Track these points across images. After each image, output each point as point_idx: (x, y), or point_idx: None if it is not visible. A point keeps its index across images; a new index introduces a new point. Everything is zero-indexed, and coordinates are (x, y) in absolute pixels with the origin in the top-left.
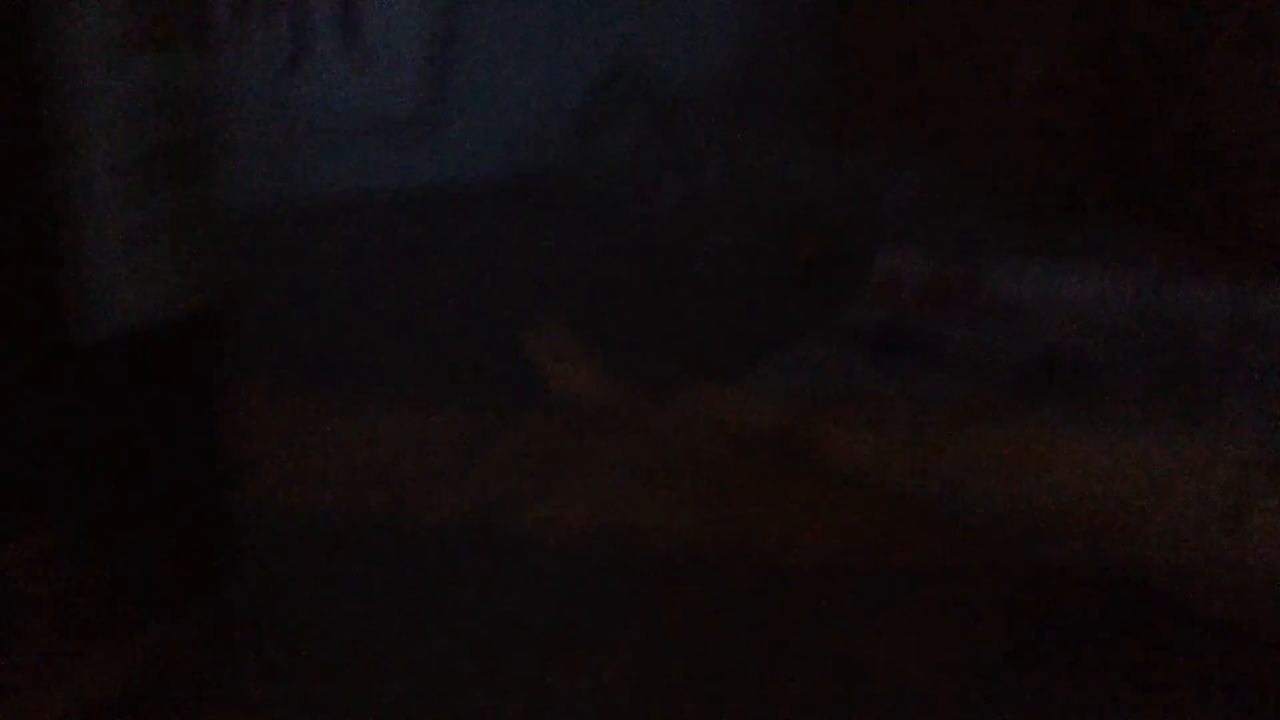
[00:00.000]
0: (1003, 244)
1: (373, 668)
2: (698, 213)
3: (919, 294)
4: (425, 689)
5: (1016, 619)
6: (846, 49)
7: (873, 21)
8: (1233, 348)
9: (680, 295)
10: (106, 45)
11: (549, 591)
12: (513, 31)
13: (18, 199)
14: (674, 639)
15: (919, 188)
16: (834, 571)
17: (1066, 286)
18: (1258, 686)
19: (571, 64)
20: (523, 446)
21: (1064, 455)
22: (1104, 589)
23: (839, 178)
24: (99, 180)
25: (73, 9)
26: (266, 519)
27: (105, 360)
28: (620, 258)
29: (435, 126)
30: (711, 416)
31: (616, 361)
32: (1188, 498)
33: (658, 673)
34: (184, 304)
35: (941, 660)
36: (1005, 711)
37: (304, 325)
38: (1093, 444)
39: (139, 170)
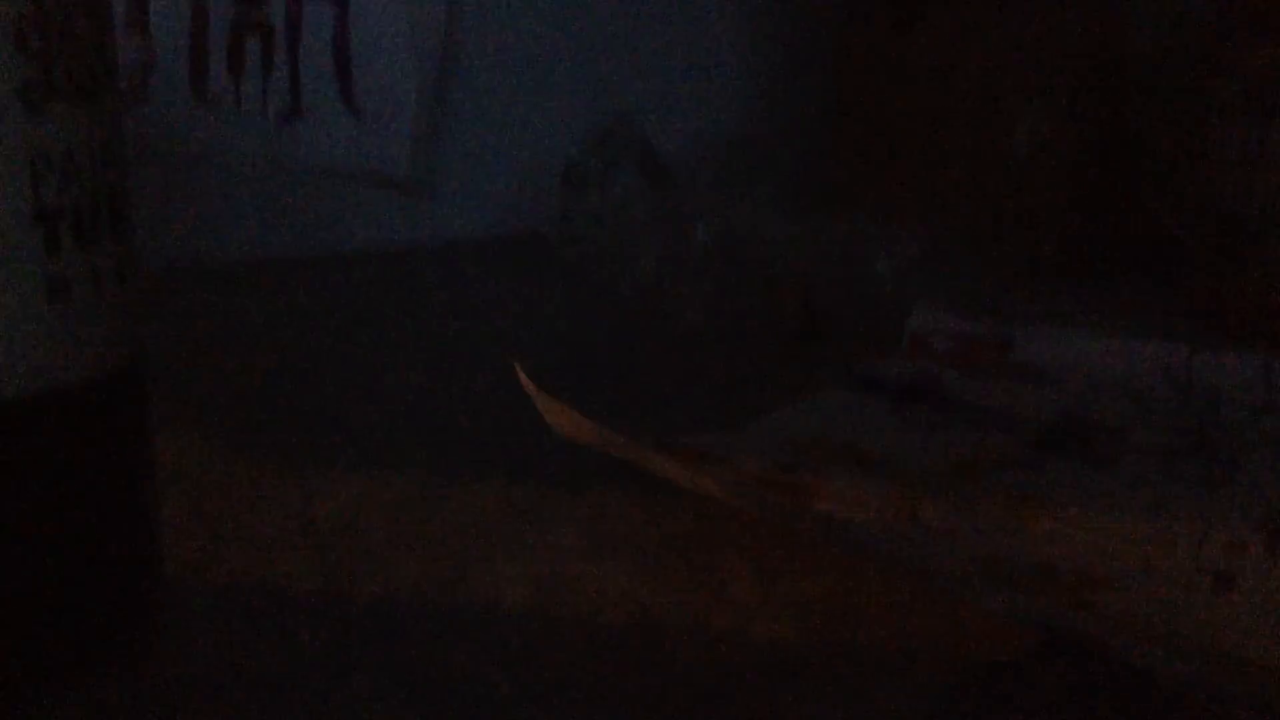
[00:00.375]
0: (1033, 310)
1: None
2: (686, 272)
3: (949, 352)
4: None
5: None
6: (841, 115)
7: (867, 87)
8: (1257, 420)
9: (672, 352)
10: None
11: (497, 663)
12: (506, 94)
13: None
14: (630, 715)
15: (912, 254)
16: (796, 644)
17: (1097, 355)
18: None
19: (563, 126)
20: (475, 511)
21: (1058, 514)
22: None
23: (829, 242)
24: None
25: None
26: (192, 588)
27: (13, 421)
28: (608, 317)
29: (429, 186)
30: (704, 462)
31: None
32: (1176, 563)
33: None
34: (102, 364)
35: None
36: None
37: (258, 383)
38: (1090, 504)
39: (37, 230)
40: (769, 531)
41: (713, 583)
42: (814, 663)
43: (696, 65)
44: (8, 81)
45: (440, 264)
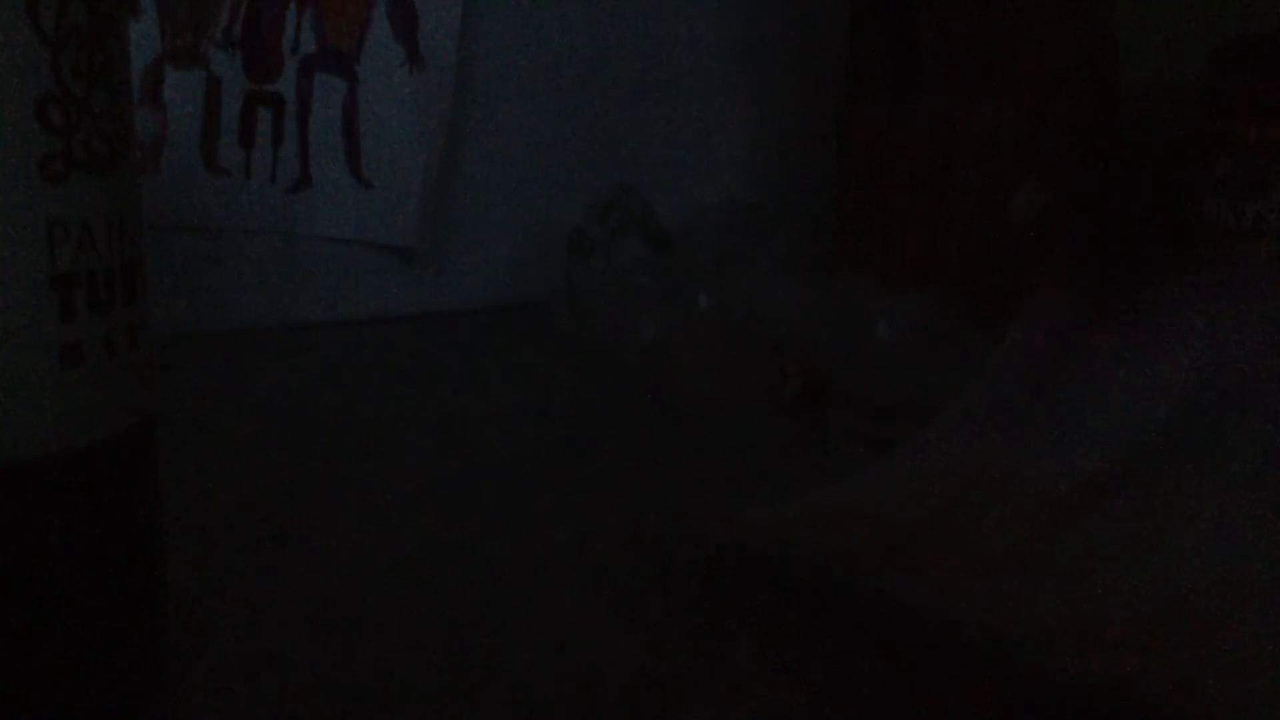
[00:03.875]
0: None
1: None
2: (689, 339)
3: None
4: None
5: None
6: (843, 184)
7: (869, 157)
8: None
9: (675, 419)
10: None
11: None
12: (510, 165)
13: None
14: None
15: (913, 319)
16: (798, 705)
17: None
18: None
19: (566, 197)
20: (477, 575)
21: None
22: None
23: (831, 308)
24: (8, 305)
25: None
26: (193, 649)
27: (24, 483)
28: (611, 384)
29: (434, 255)
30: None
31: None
32: (1169, 603)
33: None
34: (112, 427)
35: None
36: None
37: (262, 446)
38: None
39: (53, 297)
40: (772, 594)
41: (716, 646)
42: None
43: (701, 136)
44: (28, 155)
45: (445, 332)
